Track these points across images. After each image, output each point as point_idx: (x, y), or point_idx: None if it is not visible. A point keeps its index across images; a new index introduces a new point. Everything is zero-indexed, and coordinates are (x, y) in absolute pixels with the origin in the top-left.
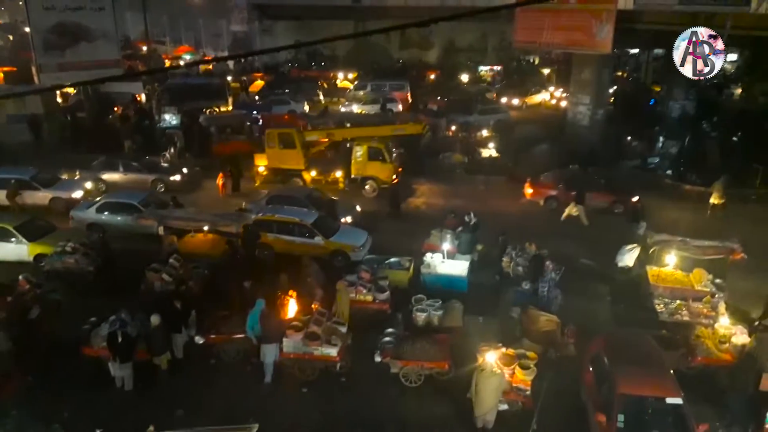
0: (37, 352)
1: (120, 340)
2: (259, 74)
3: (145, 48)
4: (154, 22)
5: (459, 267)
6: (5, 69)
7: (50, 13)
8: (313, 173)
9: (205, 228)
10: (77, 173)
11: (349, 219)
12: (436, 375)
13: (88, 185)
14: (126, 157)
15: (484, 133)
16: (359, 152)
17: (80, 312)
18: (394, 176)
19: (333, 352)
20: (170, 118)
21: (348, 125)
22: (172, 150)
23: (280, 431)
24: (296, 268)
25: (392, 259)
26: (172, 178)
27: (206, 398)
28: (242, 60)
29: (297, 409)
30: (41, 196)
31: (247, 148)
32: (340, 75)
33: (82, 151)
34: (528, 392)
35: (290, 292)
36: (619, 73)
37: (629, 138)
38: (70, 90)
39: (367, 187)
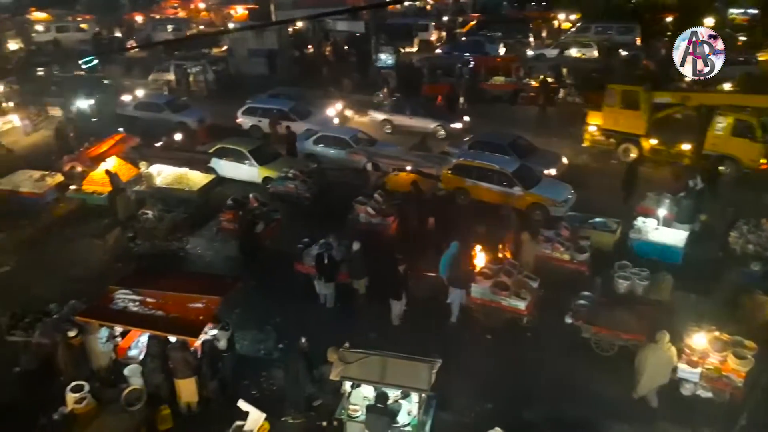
0: (259, 262)
1: (326, 261)
2: (476, 15)
3: None
4: None
5: (675, 236)
6: (249, 7)
7: None
8: (654, 141)
9: (408, 168)
10: (368, 113)
11: (553, 171)
12: (632, 347)
13: (336, 120)
14: (414, 100)
15: (726, 86)
16: (721, 123)
17: (296, 232)
18: (764, 160)
19: (521, 305)
20: (386, 58)
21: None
22: (385, 90)
23: (460, 371)
24: (492, 215)
25: (597, 219)
26: (452, 125)
27: (396, 327)
28: None
29: (479, 353)
30: (295, 127)
31: (449, 91)
32: (561, 15)
33: (308, 86)
34: (740, 384)
35: (484, 241)
36: None
37: None
38: (300, 28)
39: (721, 167)
